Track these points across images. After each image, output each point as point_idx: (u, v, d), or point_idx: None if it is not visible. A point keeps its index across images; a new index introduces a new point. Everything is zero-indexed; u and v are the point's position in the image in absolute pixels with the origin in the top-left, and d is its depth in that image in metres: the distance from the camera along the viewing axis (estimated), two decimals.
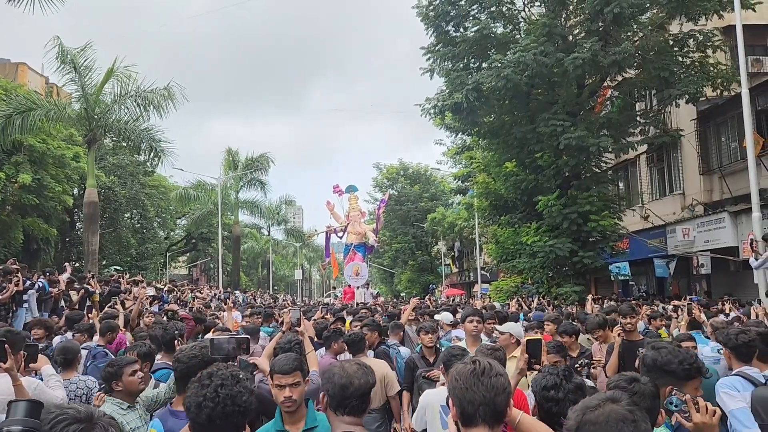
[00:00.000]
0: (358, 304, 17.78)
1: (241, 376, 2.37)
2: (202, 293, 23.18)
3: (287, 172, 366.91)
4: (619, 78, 18.12)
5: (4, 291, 10.33)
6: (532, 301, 16.10)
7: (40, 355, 4.64)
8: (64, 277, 13.30)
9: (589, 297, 11.39)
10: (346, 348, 5.57)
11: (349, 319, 8.33)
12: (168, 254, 48.88)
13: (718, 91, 16.80)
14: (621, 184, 23.76)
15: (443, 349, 4.83)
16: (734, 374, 3.57)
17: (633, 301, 14.10)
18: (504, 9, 18.40)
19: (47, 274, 12.81)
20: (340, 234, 31.24)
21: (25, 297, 11.02)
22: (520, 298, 16.53)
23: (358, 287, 27.16)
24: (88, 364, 5.65)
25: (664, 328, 7.98)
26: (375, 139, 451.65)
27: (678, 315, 9.07)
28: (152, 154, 24.82)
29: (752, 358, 3.61)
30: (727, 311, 10.45)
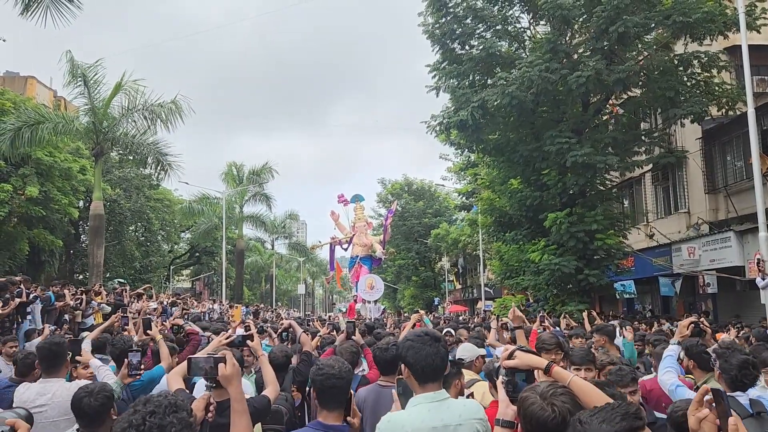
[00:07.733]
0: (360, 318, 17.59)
1: (180, 404, 2.12)
2: (202, 303, 23.19)
3: (300, 188, 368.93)
4: (624, 97, 18.17)
5: (6, 305, 10.32)
6: (535, 318, 15.79)
7: (83, 350, 4.74)
8: (69, 293, 13.34)
9: (585, 313, 10.20)
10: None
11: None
12: (172, 267, 48.94)
13: (724, 110, 16.82)
14: (626, 202, 23.70)
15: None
16: None
17: (636, 322, 13.99)
18: (510, 28, 18.53)
19: (53, 287, 12.84)
20: (345, 246, 30.04)
21: (28, 309, 11.06)
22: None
23: (375, 302, 26.34)
24: None
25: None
26: (389, 156, 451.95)
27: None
28: (158, 168, 24.97)
29: None
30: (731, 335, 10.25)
